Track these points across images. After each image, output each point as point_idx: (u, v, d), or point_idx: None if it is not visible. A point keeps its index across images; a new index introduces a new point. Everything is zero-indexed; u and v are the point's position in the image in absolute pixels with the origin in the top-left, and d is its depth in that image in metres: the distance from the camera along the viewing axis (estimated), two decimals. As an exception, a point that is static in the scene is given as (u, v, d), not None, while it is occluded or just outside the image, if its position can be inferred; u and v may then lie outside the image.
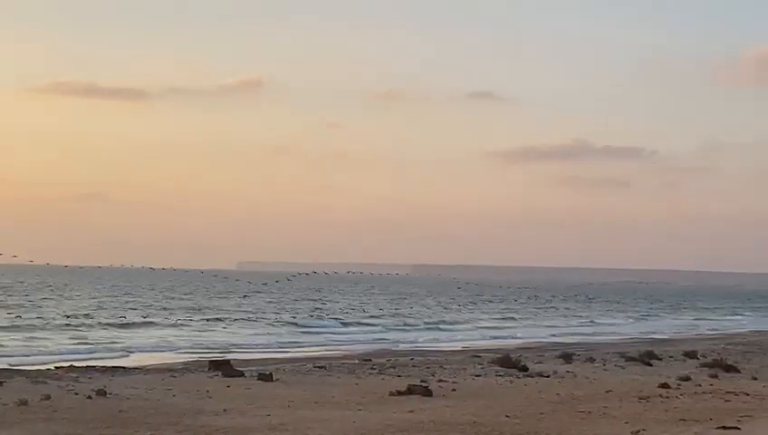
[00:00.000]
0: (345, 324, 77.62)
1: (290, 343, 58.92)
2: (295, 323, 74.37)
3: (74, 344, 51.45)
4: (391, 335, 67.91)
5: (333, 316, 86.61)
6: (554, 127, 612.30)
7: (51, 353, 45.84)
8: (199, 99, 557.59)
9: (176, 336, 59.36)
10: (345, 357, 45.85)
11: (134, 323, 67.69)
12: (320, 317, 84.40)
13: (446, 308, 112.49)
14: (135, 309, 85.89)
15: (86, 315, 72.77)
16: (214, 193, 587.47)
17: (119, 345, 52.03)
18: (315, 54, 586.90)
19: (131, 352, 48.57)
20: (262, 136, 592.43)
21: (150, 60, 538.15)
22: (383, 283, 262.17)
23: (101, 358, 43.71)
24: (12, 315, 69.23)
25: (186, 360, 43.09)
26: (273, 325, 71.99)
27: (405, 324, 79.49)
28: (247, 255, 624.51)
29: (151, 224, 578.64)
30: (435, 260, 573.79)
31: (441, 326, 79.48)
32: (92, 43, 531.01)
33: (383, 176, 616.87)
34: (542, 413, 23.23)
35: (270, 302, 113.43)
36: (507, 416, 22.57)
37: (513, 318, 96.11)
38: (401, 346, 57.59)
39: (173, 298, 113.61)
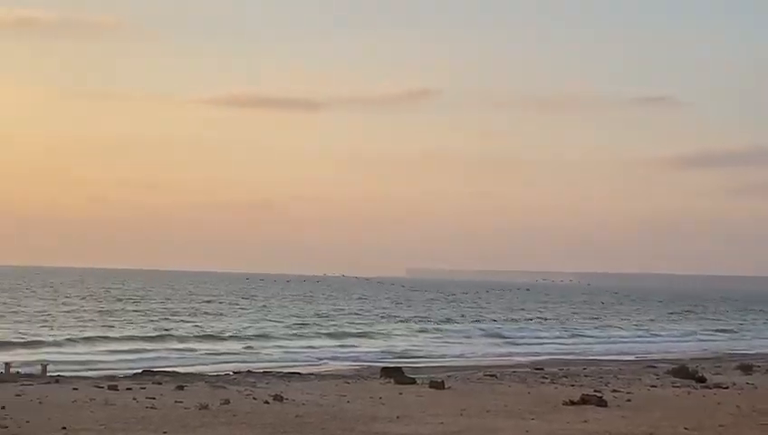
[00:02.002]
0: (575, 335, 76.37)
1: (497, 354, 57.66)
2: (499, 335, 73.43)
3: (281, 353, 53.33)
4: (600, 347, 65.87)
5: (537, 326, 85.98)
6: (731, 131, 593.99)
7: (242, 362, 47.06)
8: (368, 108, 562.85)
9: (388, 345, 60.47)
10: (516, 365, 45.63)
11: (346, 333, 68.30)
12: (523, 327, 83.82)
13: (651, 319, 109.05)
14: (340, 316, 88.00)
15: (302, 325, 74.56)
16: (382, 200, 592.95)
17: (319, 353, 53.43)
18: (479, 62, 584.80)
19: (330, 360, 49.46)
20: (433, 144, 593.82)
21: (320, 70, 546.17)
22: (561, 292, 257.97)
23: (298, 365, 44.63)
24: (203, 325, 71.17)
25: (358, 366, 43.68)
26: (477, 336, 71.52)
27: (614, 336, 76.81)
28: (416, 261, 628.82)
29: (320, 231, 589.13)
30: (601, 268, 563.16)
31: (651, 339, 76.40)
32: (263, 54, 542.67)
33: (548, 183, 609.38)
34: (721, 425, 22.62)
35: (470, 310, 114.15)
36: (685, 428, 22.05)
37: (732, 330, 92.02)
38: (574, 356, 56.86)
39: (386, 308, 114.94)
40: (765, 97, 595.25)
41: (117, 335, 58.91)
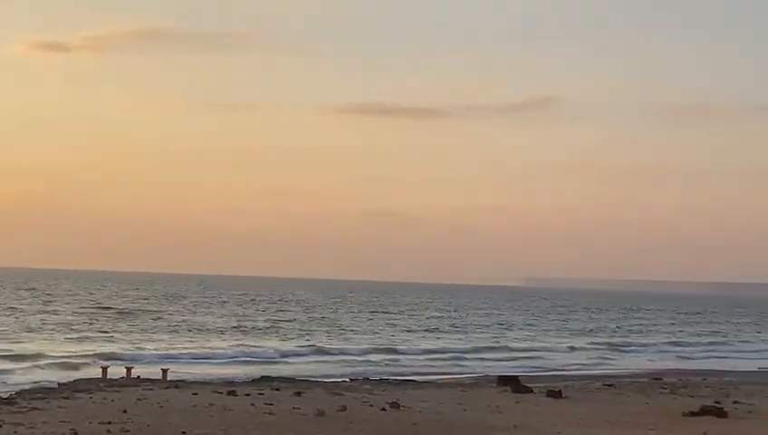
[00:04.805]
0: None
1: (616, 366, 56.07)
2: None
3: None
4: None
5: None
6: None
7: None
8: (492, 116, 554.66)
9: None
10: (635, 375, 44.98)
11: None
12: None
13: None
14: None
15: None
16: (501, 209, 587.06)
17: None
18: (607, 70, 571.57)
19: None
20: (552, 153, 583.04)
21: (446, 79, 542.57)
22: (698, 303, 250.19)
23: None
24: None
25: (475, 375, 43.52)
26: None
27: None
28: (535, 270, 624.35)
29: (438, 240, 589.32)
30: (735, 278, 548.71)
31: None
32: (390, 65, 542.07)
33: (677, 191, 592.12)
34: None
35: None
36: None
37: None
38: (692, 365, 55.77)
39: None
40: None
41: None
